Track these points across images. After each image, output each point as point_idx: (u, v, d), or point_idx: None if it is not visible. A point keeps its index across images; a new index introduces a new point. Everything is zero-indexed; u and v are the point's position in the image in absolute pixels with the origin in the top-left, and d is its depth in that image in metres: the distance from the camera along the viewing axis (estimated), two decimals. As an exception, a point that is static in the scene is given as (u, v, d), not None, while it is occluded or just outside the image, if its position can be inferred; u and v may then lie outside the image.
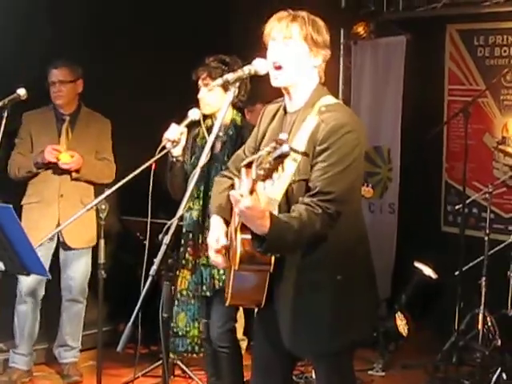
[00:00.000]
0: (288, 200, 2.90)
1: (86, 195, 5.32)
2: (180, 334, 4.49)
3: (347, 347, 3.12)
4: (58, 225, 5.17)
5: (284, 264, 2.96)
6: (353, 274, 3.01)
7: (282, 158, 2.43)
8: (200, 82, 4.35)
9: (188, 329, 4.48)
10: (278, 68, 2.98)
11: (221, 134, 4.31)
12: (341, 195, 2.87)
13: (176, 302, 4.51)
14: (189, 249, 4.35)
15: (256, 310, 3.24)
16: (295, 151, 2.52)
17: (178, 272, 4.44)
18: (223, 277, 4.14)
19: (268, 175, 2.49)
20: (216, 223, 3.14)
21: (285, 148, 2.41)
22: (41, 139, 5.34)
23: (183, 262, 4.40)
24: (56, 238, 5.34)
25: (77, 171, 5.30)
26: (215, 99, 4.24)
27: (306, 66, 3.02)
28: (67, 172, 5.29)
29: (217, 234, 3.10)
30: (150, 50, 6.03)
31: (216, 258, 3.09)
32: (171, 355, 4.62)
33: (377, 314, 3.47)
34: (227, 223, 3.13)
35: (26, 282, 5.21)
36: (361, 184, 3.23)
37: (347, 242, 3.00)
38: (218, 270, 4.18)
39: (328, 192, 2.84)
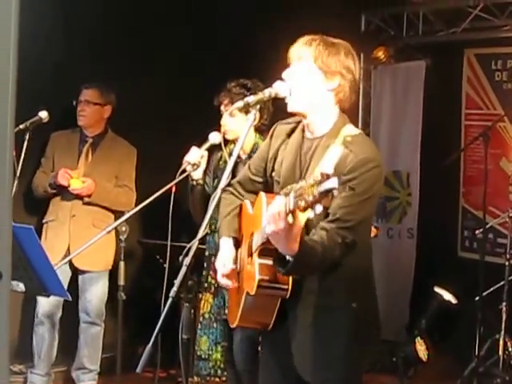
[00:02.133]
0: (307, 228, 2.86)
1: (99, 218, 5.30)
2: (203, 357, 4.47)
3: (351, 377, 3.10)
4: (69, 245, 5.18)
5: (301, 288, 2.96)
6: (365, 304, 3.03)
7: (328, 192, 2.38)
8: (222, 108, 4.34)
9: (210, 352, 4.45)
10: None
11: (243, 157, 4.29)
12: (357, 225, 2.89)
13: (199, 326, 4.50)
14: (211, 272, 4.34)
15: (261, 335, 3.25)
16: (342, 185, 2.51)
17: (200, 295, 4.44)
18: None
19: (309, 207, 2.45)
20: (225, 246, 3.18)
21: (334, 182, 2.37)
22: (62, 159, 5.36)
23: (205, 285, 4.39)
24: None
25: (89, 196, 5.28)
26: (237, 125, 4.21)
27: (320, 88, 2.98)
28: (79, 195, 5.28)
29: (224, 258, 3.14)
30: (175, 75, 6.02)
31: (224, 281, 3.13)
32: (195, 378, 4.60)
33: (376, 352, 3.45)
34: (237, 243, 3.18)
35: (42, 303, 5.21)
36: (372, 219, 3.23)
37: (361, 270, 3.05)
38: None
39: (347, 220, 2.85)
